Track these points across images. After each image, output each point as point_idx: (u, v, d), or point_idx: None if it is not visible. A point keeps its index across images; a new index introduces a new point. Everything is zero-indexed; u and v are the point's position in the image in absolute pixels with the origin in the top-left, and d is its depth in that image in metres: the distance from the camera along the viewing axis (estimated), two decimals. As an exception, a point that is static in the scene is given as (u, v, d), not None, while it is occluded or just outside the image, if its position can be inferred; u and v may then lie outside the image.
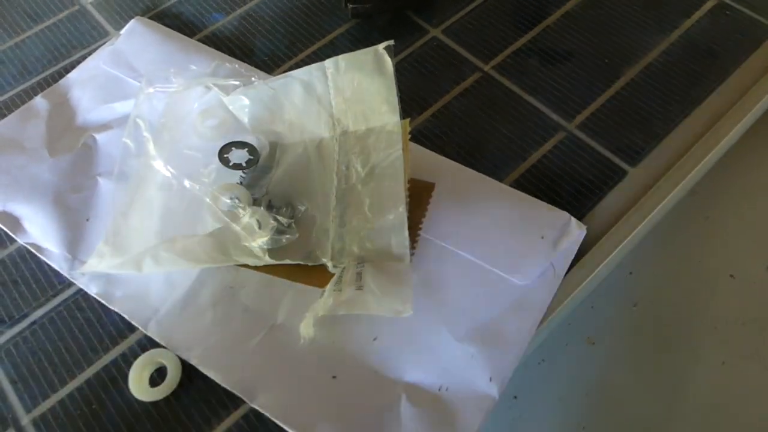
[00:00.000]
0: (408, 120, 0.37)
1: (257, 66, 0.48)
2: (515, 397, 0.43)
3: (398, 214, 0.36)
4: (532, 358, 0.44)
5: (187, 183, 0.38)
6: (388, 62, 0.36)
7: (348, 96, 0.37)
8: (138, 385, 0.35)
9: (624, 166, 0.42)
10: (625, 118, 0.44)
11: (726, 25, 0.49)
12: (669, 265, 0.48)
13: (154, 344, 0.37)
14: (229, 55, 0.49)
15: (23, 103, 0.47)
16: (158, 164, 0.39)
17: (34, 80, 0.49)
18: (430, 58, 0.48)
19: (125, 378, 0.35)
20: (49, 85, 0.48)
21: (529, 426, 0.43)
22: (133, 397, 0.35)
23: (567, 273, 0.38)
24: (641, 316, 0.46)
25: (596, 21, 0.50)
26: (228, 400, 0.35)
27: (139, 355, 0.36)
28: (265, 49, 0.49)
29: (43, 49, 0.51)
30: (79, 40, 0.51)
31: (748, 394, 0.43)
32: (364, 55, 0.36)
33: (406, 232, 0.36)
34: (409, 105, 0.45)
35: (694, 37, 0.48)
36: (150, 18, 0.52)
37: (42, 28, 0.52)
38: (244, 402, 0.34)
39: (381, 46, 0.36)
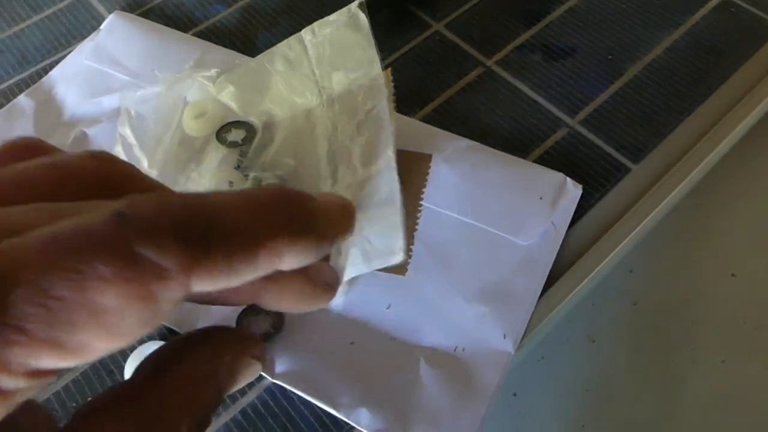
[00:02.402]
0: (389, 70, 0.37)
1: (258, 58, 0.48)
2: (515, 395, 0.43)
3: (386, 157, 0.35)
4: (532, 356, 0.44)
5: (182, 179, 0.38)
6: (363, 18, 0.36)
7: (329, 59, 0.37)
8: (135, 377, 0.35)
9: (627, 162, 0.42)
10: (628, 114, 0.44)
11: (730, 23, 0.48)
12: (670, 263, 0.48)
13: (151, 337, 0.36)
14: (231, 47, 0.48)
15: (22, 92, 0.47)
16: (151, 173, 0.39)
17: (33, 69, 0.49)
18: (432, 53, 0.48)
19: (121, 370, 0.35)
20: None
21: (528, 423, 0.42)
22: (130, 389, 0.35)
23: (568, 270, 0.38)
24: (641, 315, 0.46)
25: (600, 17, 0.49)
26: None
27: (136, 347, 0.36)
28: (267, 42, 0.49)
29: (42, 39, 0.50)
30: (78, 30, 0.51)
31: (748, 392, 0.43)
32: (338, 15, 0.37)
33: (395, 174, 0.35)
34: (410, 99, 0.45)
35: (699, 35, 0.48)
36: (149, 8, 0.52)
37: (42, 17, 0.52)
38: (241, 396, 0.34)
39: (354, 5, 0.36)
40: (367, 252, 0.33)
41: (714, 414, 0.42)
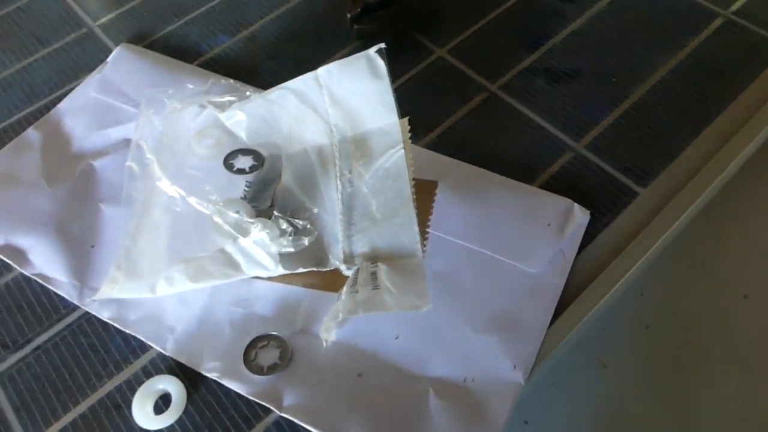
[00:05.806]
0: (407, 119, 0.38)
1: (263, 88, 0.48)
2: (526, 422, 0.42)
3: (406, 211, 0.37)
4: (543, 382, 0.43)
5: (192, 201, 0.38)
6: (381, 65, 0.36)
7: (344, 102, 0.38)
8: (142, 413, 0.34)
9: (634, 186, 0.42)
10: (633, 137, 0.44)
11: (734, 43, 0.48)
12: (681, 285, 0.47)
13: (159, 371, 0.36)
14: (235, 77, 0.49)
15: (30, 125, 0.47)
16: (163, 185, 0.39)
17: (41, 103, 0.49)
18: (436, 79, 0.48)
19: (129, 405, 0.35)
20: (55, 107, 0.48)
21: (540, 452, 0.42)
22: (137, 425, 0.34)
23: (578, 297, 0.37)
24: (654, 338, 0.46)
25: (603, 39, 0.49)
26: (233, 427, 0.34)
27: (144, 381, 0.35)
28: (271, 71, 0.49)
29: (50, 72, 0.51)
30: (86, 63, 0.51)
31: (764, 416, 0.42)
32: (356, 60, 0.36)
33: (416, 228, 0.36)
34: (414, 126, 0.45)
35: (702, 56, 0.48)
36: (155, 40, 0.52)
37: (50, 51, 0.53)
38: (249, 431, 0.34)
39: (372, 50, 0.36)
40: (391, 299, 0.34)
41: (731, 441, 0.41)
